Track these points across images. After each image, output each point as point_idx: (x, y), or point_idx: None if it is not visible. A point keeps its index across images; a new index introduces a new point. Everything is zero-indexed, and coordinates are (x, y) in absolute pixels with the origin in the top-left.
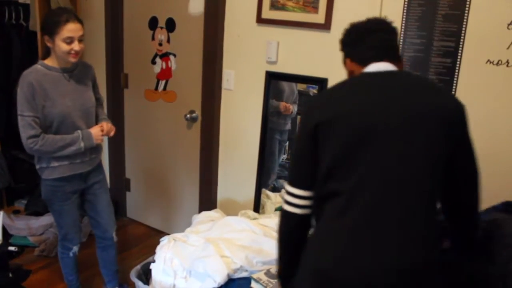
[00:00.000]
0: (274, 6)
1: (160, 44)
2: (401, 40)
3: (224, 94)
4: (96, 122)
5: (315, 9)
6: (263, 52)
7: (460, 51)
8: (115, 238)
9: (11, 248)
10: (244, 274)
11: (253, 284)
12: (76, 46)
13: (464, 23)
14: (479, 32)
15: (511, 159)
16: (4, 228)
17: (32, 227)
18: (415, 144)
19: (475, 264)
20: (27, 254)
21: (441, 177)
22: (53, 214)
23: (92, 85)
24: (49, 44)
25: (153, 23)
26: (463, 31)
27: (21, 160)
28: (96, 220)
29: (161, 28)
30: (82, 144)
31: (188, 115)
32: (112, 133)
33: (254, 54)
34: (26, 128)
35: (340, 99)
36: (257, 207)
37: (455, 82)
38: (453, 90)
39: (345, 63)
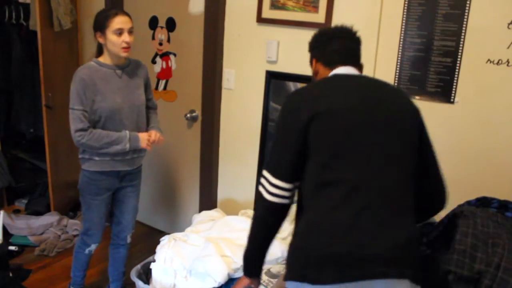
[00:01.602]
0: (274, 5)
1: (160, 44)
2: (401, 40)
3: (224, 94)
4: (147, 127)
5: (315, 8)
6: (264, 52)
7: (460, 51)
8: (129, 240)
9: (12, 248)
10: None
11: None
12: (126, 37)
13: (465, 22)
14: (479, 31)
15: (511, 158)
16: (4, 228)
17: (32, 227)
18: (396, 135)
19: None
20: (27, 254)
21: (415, 165)
22: (82, 205)
23: (144, 84)
24: (101, 40)
25: (153, 23)
26: (463, 31)
27: (22, 159)
28: (118, 219)
29: (161, 27)
30: (127, 145)
31: (188, 115)
32: (160, 143)
33: (254, 53)
34: (75, 121)
35: (330, 96)
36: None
37: (455, 81)
38: (454, 89)
39: (311, 63)
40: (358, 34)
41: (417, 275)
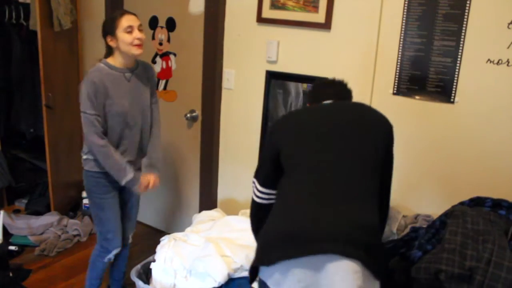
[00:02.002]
0: (274, 5)
1: (160, 44)
2: (401, 40)
3: (224, 94)
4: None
5: (315, 8)
6: (264, 52)
7: (460, 51)
8: (130, 239)
9: (12, 248)
10: (244, 274)
11: (254, 284)
12: (137, 34)
13: (465, 22)
14: (479, 31)
15: (511, 159)
16: (4, 228)
17: (32, 227)
18: (358, 143)
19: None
20: (27, 254)
21: (379, 175)
22: (94, 209)
23: (151, 87)
24: (112, 43)
25: (153, 23)
26: (463, 31)
27: (22, 159)
28: (121, 220)
29: (161, 27)
30: (123, 182)
31: (188, 115)
32: (156, 188)
33: (254, 53)
34: (88, 125)
35: (298, 120)
36: None
37: (455, 81)
38: (454, 89)
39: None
40: (348, 86)
41: (371, 260)
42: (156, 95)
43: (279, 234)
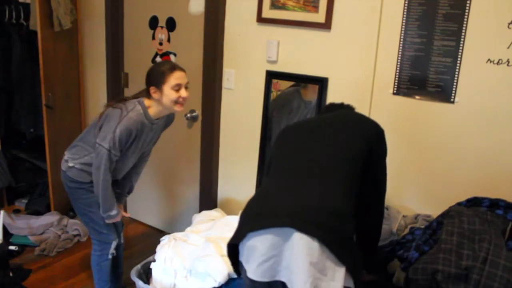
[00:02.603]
0: (274, 5)
1: (161, 44)
2: (401, 40)
3: (224, 94)
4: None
5: (315, 8)
6: (264, 52)
7: (460, 51)
8: (122, 239)
9: (12, 248)
10: None
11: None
12: (184, 93)
13: (465, 22)
14: (479, 31)
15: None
16: (4, 228)
17: (32, 227)
18: (337, 140)
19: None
20: (27, 254)
21: (357, 170)
22: (82, 209)
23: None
24: (155, 95)
25: (153, 23)
26: (463, 31)
27: (22, 159)
28: None
29: (162, 27)
30: (105, 215)
31: (188, 115)
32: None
33: (254, 53)
34: (106, 161)
35: (292, 126)
36: None
37: (455, 81)
38: (454, 89)
39: None
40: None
41: (333, 242)
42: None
43: (250, 214)
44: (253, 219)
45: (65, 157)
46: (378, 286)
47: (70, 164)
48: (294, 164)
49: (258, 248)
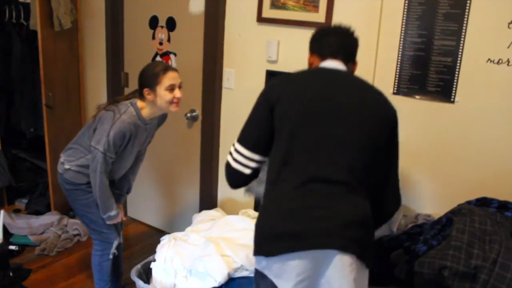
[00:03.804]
0: (274, 5)
1: (161, 43)
2: (401, 39)
3: (224, 93)
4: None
5: (315, 8)
6: (264, 51)
7: (460, 50)
8: (121, 239)
9: (12, 247)
10: (244, 273)
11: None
12: (178, 93)
13: (465, 22)
14: (479, 31)
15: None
16: (4, 227)
17: (32, 226)
18: (353, 127)
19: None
20: (27, 253)
21: (377, 162)
22: (81, 211)
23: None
24: (149, 97)
25: (153, 22)
26: (463, 30)
27: (22, 159)
28: None
29: (162, 27)
30: (105, 216)
31: (188, 114)
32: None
33: (254, 53)
34: (103, 164)
35: (299, 83)
36: (258, 206)
37: (455, 81)
38: (454, 89)
39: (309, 58)
40: (356, 33)
41: (364, 253)
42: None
43: (279, 229)
44: (285, 237)
45: (61, 160)
46: (380, 277)
47: (67, 167)
48: (319, 170)
49: (294, 267)
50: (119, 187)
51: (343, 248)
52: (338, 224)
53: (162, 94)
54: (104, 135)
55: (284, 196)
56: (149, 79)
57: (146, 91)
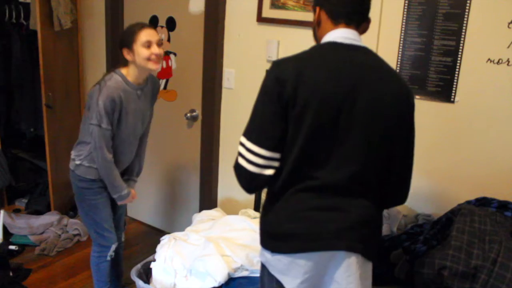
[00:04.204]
0: (274, 5)
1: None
2: (401, 39)
3: (224, 93)
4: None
5: None
6: (264, 51)
7: (460, 50)
8: (123, 237)
9: (12, 247)
10: (244, 273)
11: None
12: (156, 49)
13: (465, 22)
14: (479, 31)
15: (511, 158)
16: (4, 227)
17: (32, 226)
18: (376, 128)
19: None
20: (27, 253)
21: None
22: (87, 211)
23: (153, 100)
24: (129, 57)
25: (153, 22)
26: (463, 30)
27: (22, 159)
28: (114, 219)
29: (162, 27)
30: (116, 196)
31: (188, 114)
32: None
33: (254, 53)
34: (101, 139)
35: (317, 75)
36: (258, 206)
37: (455, 81)
38: (454, 89)
39: (314, 11)
40: None
41: (368, 251)
42: (153, 111)
43: (289, 229)
44: (295, 237)
45: (72, 156)
46: (380, 276)
47: (77, 162)
48: (329, 180)
49: (302, 266)
50: (128, 172)
51: (350, 248)
52: (346, 226)
53: (139, 51)
54: (94, 107)
55: (294, 198)
56: (126, 38)
57: (125, 50)
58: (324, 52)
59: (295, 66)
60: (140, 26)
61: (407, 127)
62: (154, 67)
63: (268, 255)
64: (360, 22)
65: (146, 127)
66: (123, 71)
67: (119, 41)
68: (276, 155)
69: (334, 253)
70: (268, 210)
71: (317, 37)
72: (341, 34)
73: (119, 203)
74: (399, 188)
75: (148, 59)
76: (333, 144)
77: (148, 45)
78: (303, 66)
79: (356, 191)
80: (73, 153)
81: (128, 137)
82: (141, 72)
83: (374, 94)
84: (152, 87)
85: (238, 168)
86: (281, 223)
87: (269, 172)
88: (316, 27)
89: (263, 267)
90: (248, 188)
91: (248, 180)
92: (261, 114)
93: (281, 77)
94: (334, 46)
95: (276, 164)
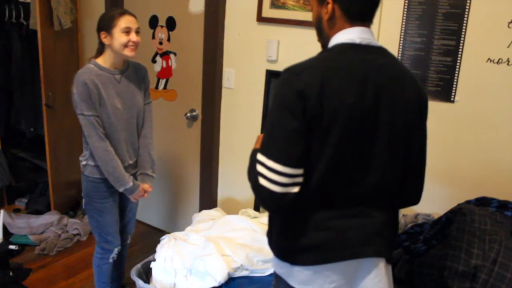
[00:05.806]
0: (274, 4)
1: (161, 43)
2: (401, 39)
3: (224, 93)
4: (138, 136)
5: None
6: (264, 51)
7: (460, 50)
8: (129, 240)
9: (12, 247)
10: (244, 273)
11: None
12: (134, 37)
13: (465, 21)
14: (479, 30)
15: (511, 158)
16: (4, 227)
17: (32, 226)
18: (398, 136)
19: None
20: (27, 253)
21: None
22: (93, 214)
23: (144, 88)
24: (106, 41)
25: (153, 22)
26: (463, 30)
27: (22, 158)
28: (121, 219)
29: (162, 26)
30: (122, 189)
31: (188, 114)
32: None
33: (254, 52)
34: (89, 127)
35: (340, 90)
36: (258, 205)
37: (455, 80)
38: (454, 88)
39: (323, 3)
40: None
41: (390, 254)
42: (150, 96)
43: (316, 238)
44: (319, 247)
45: (80, 158)
46: None
47: (84, 162)
48: (352, 188)
49: (328, 276)
50: (141, 166)
51: (378, 254)
52: (373, 231)
53: (118, 36)
54: (73, 98)
55: (320, 210)
56: (105, 22)
57: (102, 34)
58: (344, 58)
59: (319, 76)
60: (121, 12)
61: (423, 132)
62: (130, 54)
63: (286, 266)
64: (372, 20)
65: (145, 116)
66: (98, 60)
67: (98, 24)
68: (300, 171)
69: (362, 260)
70: (289, 223)
71: (324, 35)
72: (358, 34)
73: (130, 197)
74: (414, 189)
75: (125, 45)
76: (359, 156)
77: (127, 31)
78: (327, 77)
79: (379, 198)
80: (80, 156)
81: (120, 123)
82: (117, 57)
83: (395, 102)
84: (136, 73)
85: (259, 189)
86: (306, 233)
87: (295, 189)
88: (325, 24)
89: (279, 278)
90: (276, 210)
91: (273, 201)
92: (282, 130)
93: (305, 91)
94: (354, 48)
95: (300, 180)
